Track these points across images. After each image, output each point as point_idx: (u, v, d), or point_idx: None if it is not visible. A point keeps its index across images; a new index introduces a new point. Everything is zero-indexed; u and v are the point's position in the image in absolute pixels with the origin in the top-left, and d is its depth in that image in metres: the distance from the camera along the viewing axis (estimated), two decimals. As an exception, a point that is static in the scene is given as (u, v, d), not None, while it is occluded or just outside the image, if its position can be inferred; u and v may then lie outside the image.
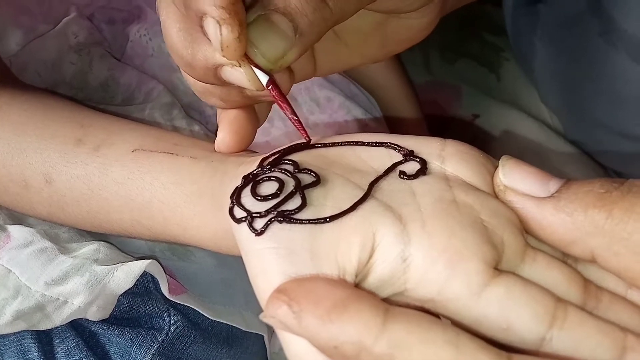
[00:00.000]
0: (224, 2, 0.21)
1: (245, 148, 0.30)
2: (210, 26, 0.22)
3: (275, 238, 0.21)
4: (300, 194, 0.23)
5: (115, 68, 0.47)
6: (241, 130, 0.29)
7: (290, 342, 0.19)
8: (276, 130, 0.45)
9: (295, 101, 0.46)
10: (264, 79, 0.24)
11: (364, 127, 0.47)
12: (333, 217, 0.21)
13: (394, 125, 0.54)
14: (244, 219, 0.22)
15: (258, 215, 0.22)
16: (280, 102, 0.26)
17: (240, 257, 0.41)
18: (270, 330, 0.41)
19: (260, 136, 0.46)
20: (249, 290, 0.40)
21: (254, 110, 0.30)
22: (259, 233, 0.21)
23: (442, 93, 0.65)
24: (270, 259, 0.21)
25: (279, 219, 0.21)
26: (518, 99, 0.63)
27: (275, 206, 0.22)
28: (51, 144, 0.33)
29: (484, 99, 0.64)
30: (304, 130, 0.26)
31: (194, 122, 0.45)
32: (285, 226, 0.21)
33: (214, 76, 0.24)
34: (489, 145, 0.61)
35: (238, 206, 0.23)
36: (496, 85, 0.65)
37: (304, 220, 0.21)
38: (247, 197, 0.23)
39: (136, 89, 0.47)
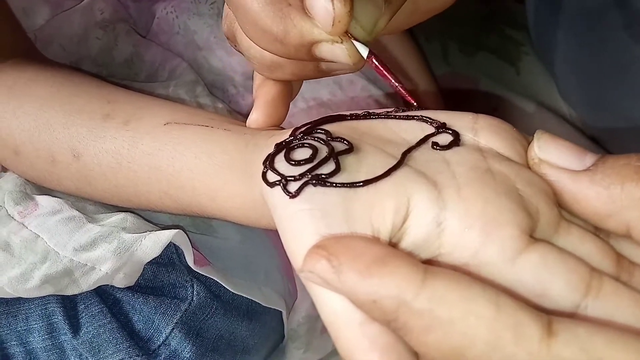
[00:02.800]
0: None
1: (277, 126, 0.30)
2: (319, 1, 0.22)
3: (310, 200, 0.21)
4: (334, 159, 0.23)
5: (140, 45, 0.48)
6: (275, 113, 0.29)
7: (325, 300, 0.19)
8: (297, 109, 0.45)
9: (318, 83, 0.47)
10: (364, 52, 0.24)
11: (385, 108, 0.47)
12: (367, 182, 0.21)
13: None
14: (277, 182, 0.22)
15: (292, 178, 0.22)
16: (385, 72, 0.25)
17: (262, 234, 0.41)
18: (289, 307, 0.42)
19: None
20: (269, 268, 0.41)
21: (291, 87, 0.30)
22: (293, 195, 0.22)
23: (460, 85, 0.65)
24: (305, 221, 0.21)
25: (313, 181, 0.22)
26: (537, 93, 0.63)
27: (309, 170, 0.22)
28: (78, 120, 0.33)
29: (502, 92, 0.64)
30: (411, 96, 0.26)
31: (217, 100, 0.45)
32: (319, 189, 0.21)
33: (307, 53, 0.24)
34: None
35: (272, 170, 0.23)
36: (515, 79, 0.65)
37: (338, 183, 0.21)
38: (280, 163, 0.24)
39: (160, 66, 0.47)
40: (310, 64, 0.26)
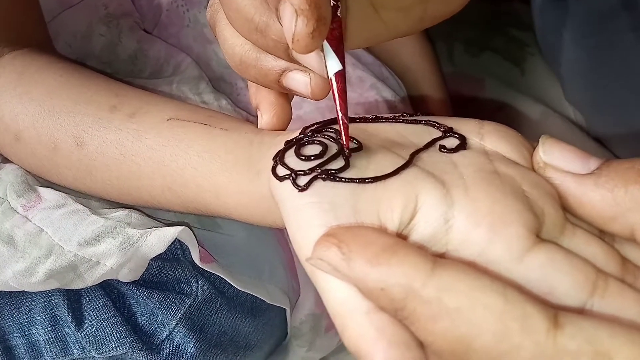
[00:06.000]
0: None
1: (286, 127, 0.29)
2: (287, 12, 0.20)
3: (318, 194, 0.21)
4: (343, 156, 0.23)
5: (144, 40, 0.47)
6: (282, 112, 0.28)
7: (331, 290, 0.19)
8: (308, 105, 0.45)
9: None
10: (335, 68, 0.21)
11: (392, 108, 0.48)
12: (376, 179, 0.22)
13: (420, 108, 0.54)
14: (287, 176, 0.23)
15: (302, 172, 0.22)
16: (336, 99, 0.22)
17: (267, 230, 0.40)
18: (292, 304, 0.42)
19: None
20: (273, 264, 0.41)
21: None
22: (302, 189, 0.22)
23: (465, 84, 0.65)
24: (313, 213, 0.21)
25: (323, 176, 0.22)
26: (542, 93, 0.63)
27: (319, 165, 0.22)
28: (85, 109, 0.33)
29: (507, 92, 0.64)
30: (347, 136, 0.23)
31: (221, 96, 0.45)
32: (328, 184, 0.22)
33: (285, 51, 0.23)
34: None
35: (282, 165, 0.23)
36: (520, 79, 0.65)
37: (347, 178, 0.22)
38: (290, 158, 0.24)
39: (165, 62, 0.47)
40: (272, 75, 0.25)
